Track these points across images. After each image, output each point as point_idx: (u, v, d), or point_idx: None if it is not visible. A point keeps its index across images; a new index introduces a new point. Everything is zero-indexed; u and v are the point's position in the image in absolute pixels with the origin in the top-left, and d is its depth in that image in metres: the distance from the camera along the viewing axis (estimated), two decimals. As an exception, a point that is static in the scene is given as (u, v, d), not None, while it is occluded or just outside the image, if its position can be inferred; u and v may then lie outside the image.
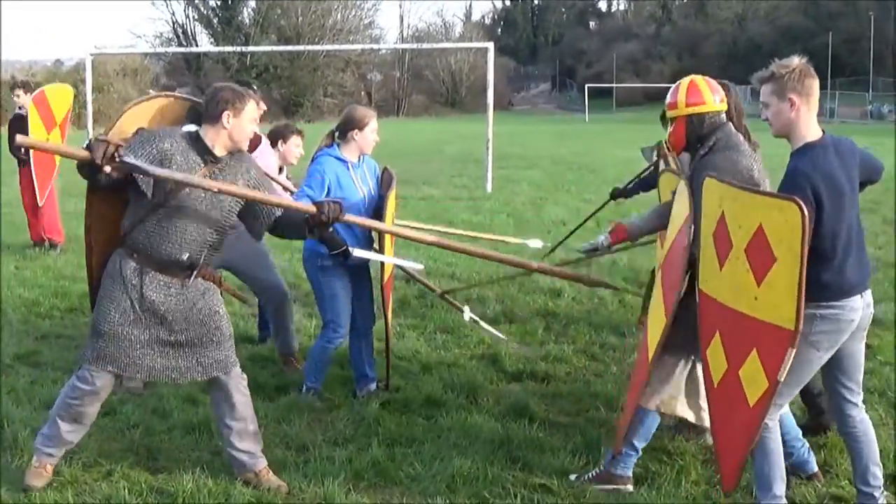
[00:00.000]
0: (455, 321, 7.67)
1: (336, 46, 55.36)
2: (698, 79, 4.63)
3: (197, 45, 67.02)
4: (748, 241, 3.71)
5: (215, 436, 5.05)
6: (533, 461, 4.84)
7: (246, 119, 4.29)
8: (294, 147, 6.60)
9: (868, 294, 3.97)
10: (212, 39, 68.83)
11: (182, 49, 63.91)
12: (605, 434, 5.21)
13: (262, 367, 6.39)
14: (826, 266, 3.75)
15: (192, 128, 4.33)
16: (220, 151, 4.30)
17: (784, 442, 4.67)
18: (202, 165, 4.25)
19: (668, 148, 4.89)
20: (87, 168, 4.01)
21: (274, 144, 6.53)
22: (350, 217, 4.56)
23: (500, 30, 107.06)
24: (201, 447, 4.97)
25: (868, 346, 6.44)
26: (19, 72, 57.52)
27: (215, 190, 4.19)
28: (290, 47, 56.72)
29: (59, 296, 8.43)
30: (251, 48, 55.36)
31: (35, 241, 11.22)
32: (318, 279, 5.71)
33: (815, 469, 4.69)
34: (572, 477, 4.69)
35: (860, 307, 3.88)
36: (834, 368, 4.09)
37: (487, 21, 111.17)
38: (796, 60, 3.86)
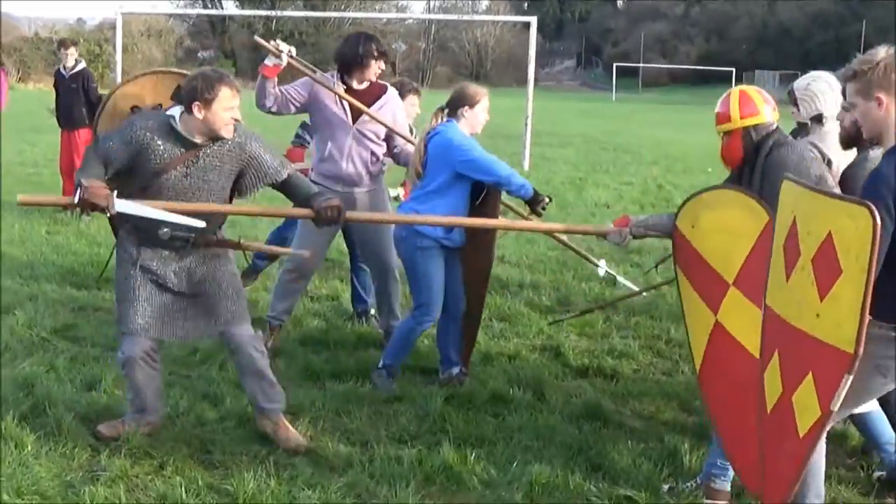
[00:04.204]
0: (511, 308, 7.32)
1: (363, 14, 54.73)
2: (749, 89, 4.51)
3: (222, 8, 66.54)
4: (816, 249, 3.22)
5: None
6: (615, 470, 4.47)
7: (219, 108, 4.23)
8: (410, 106, 6.33)
9: None
10: (237, 2, 68.31)
11: (209, 11, 63.50)
12: (686, 442, 4.83)
13: (315, 352, 6.00)
14: None
15: (176, 111, 4.33)
16: (199, 139, 4.32)
17: (878, 445, 4.44)
18: (182, 151, 4.30)
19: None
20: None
21: None
22: (353, 215, 4.95)
23: (526, 4, 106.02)
24: (258, 441, 4.61)
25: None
26: (42, 29, 57.32)
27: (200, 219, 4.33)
28: (315, 13, 56.16)
29: (94, 264, 8.03)
30: (277, 12, 54.82)
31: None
32: (416, 260, 5.38)
33: None
34: (665, 488, 4.33)
35: None
36: None
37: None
38: (882, 52, 3.41)
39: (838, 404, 3.15)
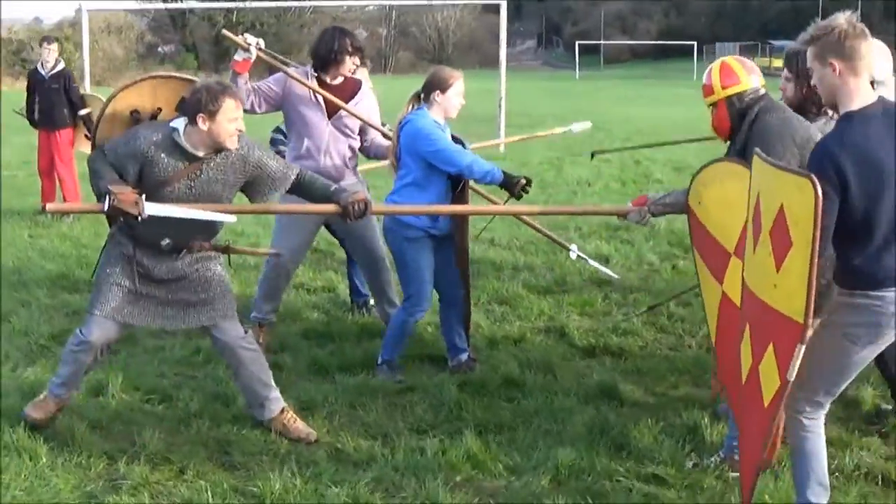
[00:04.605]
0: (509, 291, 7.26)
1: (324, 3, 54.28)
2: (730, 59, 4.55)
3: (182, 1, 65.80)
4: (772, 222, 3.25)
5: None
6: (638, 449, 4.45)
7: (223, 120, 4.23)
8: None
9: None
10: (197, -5, 67.61)
11: (168, 5, 62.77)
12: (705, 417, 4.80)
13: (320, 346, 5.93)
14: (859, 252, 3.32)
15: (180, 123, 4.31)
16: (202, 151, 4.31)
17: None
18: (185, 165, 4.30)
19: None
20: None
21: None
22: (379, 208, 4.92)
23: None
24: (276, 440, 4.54)
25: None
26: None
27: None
28: (276, 3, 55.42)
29: (83, 266, 7.84)
30: (237, 3, 54.12)
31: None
32: (404, 250, 5.30)
33: None
34: (689, 464, 4.31)
35: None
36: None
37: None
38: (841, 19, 3.39)
39: (793, 374, 3.15)
